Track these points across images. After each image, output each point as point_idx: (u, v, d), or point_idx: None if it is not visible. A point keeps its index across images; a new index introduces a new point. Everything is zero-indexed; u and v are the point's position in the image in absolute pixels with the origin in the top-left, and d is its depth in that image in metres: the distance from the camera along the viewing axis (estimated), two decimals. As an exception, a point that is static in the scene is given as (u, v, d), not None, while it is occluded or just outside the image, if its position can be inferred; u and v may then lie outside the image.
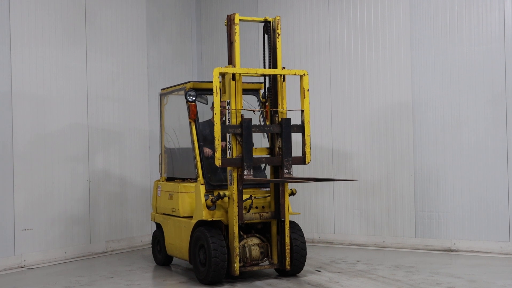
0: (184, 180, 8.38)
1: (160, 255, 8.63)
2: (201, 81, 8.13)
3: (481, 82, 8.99)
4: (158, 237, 8.68)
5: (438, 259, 8.65)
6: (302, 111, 7.50)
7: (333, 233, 10.19)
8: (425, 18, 9.45)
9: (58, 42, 9.37)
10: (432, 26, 9.39)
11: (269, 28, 7.59)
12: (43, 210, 9.05)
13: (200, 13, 12.01)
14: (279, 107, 7.44)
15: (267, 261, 7.52)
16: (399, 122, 9.64)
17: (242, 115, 7.23)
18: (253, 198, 7.38)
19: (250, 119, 7.21)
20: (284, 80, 7.46)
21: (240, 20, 7.37)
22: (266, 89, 7.65)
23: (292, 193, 7.62)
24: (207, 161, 7.73)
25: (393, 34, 9.72)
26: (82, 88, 9.72)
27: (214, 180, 7.67)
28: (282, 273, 7.60)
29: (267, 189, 7.67)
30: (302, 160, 7.48)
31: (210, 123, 8.26)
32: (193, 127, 7.76)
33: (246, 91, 7.92)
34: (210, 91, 8.07)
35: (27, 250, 8.80)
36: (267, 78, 7.65)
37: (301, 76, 7.48)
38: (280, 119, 7.42)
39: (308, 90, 7.47)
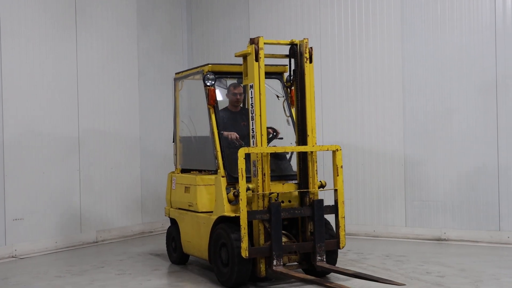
0: (200, 171, 7.71)
1: (176, 253, 7.97)
2: (220, 64, 7.42)
3: (472, 71, 8.97)
4: (173, 233, 8.02)
5: (428, 248, 8.69)
6: (335, 190, 6.78)
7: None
8: (416, 7, 9.42)
9: (48, 32, 9.31)
10: (423, 14, 9.36)
11: (295, 52, 6.82)
12: (34, 200, 9.04)
13: (191, 2, 12.02)
14: (310, 187, 6.71)
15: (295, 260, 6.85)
16: (390, 111, 9.62)
17: (270, 198, 6.52)
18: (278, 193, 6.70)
19: (279, 203, 6.46)
20: (313, 154, 6.74)
21: (265, 43, 6.61)
22: (292, 72, 6.94)
23: (322, 186, 6.94)
24: (228, 151, 7.05)
25: (384, 23, 9.68)
26: (72, 78, 9.69)
27: (237, 172, 6.98)
28: (309, 273, 6.90)
29: (294, 182, 6.98)
30: (335, 245, 6.77)
31: (228, 111, 7.59)
32: (212, 114, 7.08)
33: (268, 75, 7.19)
34: (230, 74, 7.40)
35: (18, 240, 8.81)
36: (292, 60, 6.94)
37: (333, 152, 6.75)
38: (311, 200, 6.69)
39: (341, 166, 6.76)
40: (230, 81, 7.65)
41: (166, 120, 11.09)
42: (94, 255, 8.88)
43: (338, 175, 6.74)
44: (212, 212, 7.13)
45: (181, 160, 8.06)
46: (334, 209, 6.78)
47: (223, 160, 6.91)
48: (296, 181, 6.96)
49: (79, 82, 9.78)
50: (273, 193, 6.57)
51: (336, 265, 6.94)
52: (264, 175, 6.52)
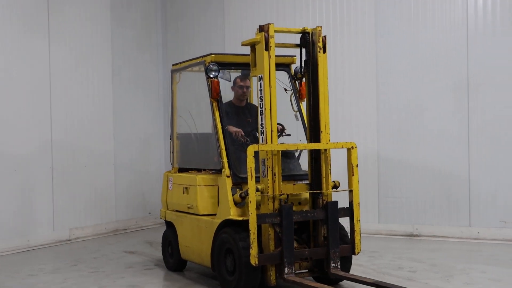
0: (200, 171, 7.14)
1: (173, 259, 7.37)
2: (224, 54, 6.85)
3: (444, 69, 9.10)
4: (170, 238, 7.42)
5: (400, 244, 8.85)
6: (350, 191, 6.23)
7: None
8: (390, 5, 9.47)
9: (20, 29, 9.14)
10: (397, 12, 9.42)
11: (307, 41, 6.25)
12: (5, 198, 8.88)
13: (165, 0, 11.90)
14: (323, 187, 6.15)
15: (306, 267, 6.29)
16: (364, 108, 9.67)
17: (280, 200, 5.95)
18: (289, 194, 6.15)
19: (291, 206, 5.92)
20: (327, 152, 6.21)
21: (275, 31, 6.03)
22: (303, 62, 6.38)
23: (335, 186, 6.39)
24: (232, 149, 6.48)
25: (358, 20, 9.69)
26: (44, 76, 9.53)
27: (243, 171, 6.42)
28: (319, 281, 6.34)
29: (304, 182, 6.43)
30: (350, 250, 6.23)
31: (232, 105, 7.02)
32: (216, 108, 6.50)
33: (275, 66, 6.61)
34: (234, 65, 6.83)
35: (-11, 238, 8.69)
36: (303, 50, 6.38)
37: (348, 150, 6.20)
38: (324, 202, 6.14)
39: (357, 165, 6.22)
40: (234, 73, 7.09)
41: (140, 118, 11.34)
42: (67, 253, 8.80)
43: (353, 175, 6.20)
44: (214, 215, 6.56)
45: (179, 159, 7.47)
46: (349, 211, 6.24)
47: (228, 158, 6.33)
48: (306, 182, 6.42)
49: (51, 80, 9.63)
50: (283, 194, 6.01)
51: (350, 272, 6.41)
52: (275, 175, 5.95)
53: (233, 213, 6.13)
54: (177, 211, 7.24)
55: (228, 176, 6.27)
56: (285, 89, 6.97)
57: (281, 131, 6.92)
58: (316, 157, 6.24)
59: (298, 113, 6.97)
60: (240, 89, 7.05)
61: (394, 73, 9.42)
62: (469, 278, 6.68)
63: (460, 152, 8.98)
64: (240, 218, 6.02)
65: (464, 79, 8.93)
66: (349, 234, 6.36)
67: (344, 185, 6.39)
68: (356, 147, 6.21)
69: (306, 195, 6.34)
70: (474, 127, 8.90)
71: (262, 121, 5.98)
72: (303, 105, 6.98)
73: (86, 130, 10.23)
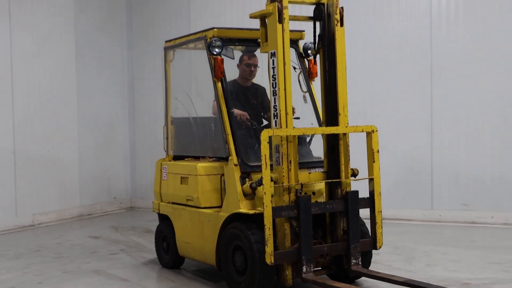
0: (198, 158, 6.47)
1: (168, 255, 6.69)
2: (227, 28, 6.14)
3: (409, 56, 9.28)
4: (165, 232, 6.74)
5: None
6: (371, 179, 5.60)
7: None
8: None
9: None
10: (361, 1, 9.48)
11: (322, 13, 5.56)
12: None
13: None
14: (342, 176, 5.52)
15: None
16: None
17: (296, 191, 5.29)
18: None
19: (309, 197, 5.27)
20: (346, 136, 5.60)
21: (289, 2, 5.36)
22: (317, 37, 5.72)
23: (354, 174, 5.78)
24: (240, 133, 5.82)
25: None
26: (5, 60, 9.36)
27: (252, 158, 5.76)
28: (334, 278, 5.74)
29: (319, 170, 5.81)
30: (371, 244, 5.63)
31: (236, 85, 6.35)
32: (220, 89, 5.82)
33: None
34: (238, 41, 6.16)
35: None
36: (317, 23, 5.72)
37: (368, 134, 5.57)
38: (343, 192, 5.52)
39: (378, 151, 5.59)
40: (237, 51, 6.41)
41: (105, 101, 11.19)
42: (31, 239, 8.68)
43: (374, 161, 5.59)
44: (217, 207, 5.93)
45: (174, 146, 6.78)
46: (369, 202, 5.64)
47: (235, 145, 5.66)
48: (321, 169, 5.81)
49: (13, 65, 9.45)
50: (297, 184, 5.38)
51: (369, 268, 5.83)
52: (290, 162, 5.31)
53: (243, 206, 5.48)
54: (173, 203, 6.57)
55: (235, 165, 5.61)
56: (294, 68, 6.31)
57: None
58: (333, 142, 5.62)
59: (307, 94, 6.34)
60: (247, 67, 6.38)
61: (359, 59, 9.34)
62: (431, 260, 6.79)
63: (422, 138, 9.17)
64: (252, 212, 5.37)
65: (428, 67, 9.10)
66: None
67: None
68: (377, 130, 5.60)
69: (320, 185, 5.72)
70: (437, 112, 9.07)
71: (275, 102, 5.33)
72: (313, 85, 6.38)
73: (49, 114, 10.01)
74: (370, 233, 5.73)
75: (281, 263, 5.26)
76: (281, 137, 5.25)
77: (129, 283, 6.17)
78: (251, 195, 5.54)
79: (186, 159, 6.66)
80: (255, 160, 5.69)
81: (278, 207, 5.19)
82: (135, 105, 11.69)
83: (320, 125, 6.15)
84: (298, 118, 6.27)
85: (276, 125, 5.32)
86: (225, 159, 5.86)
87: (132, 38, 11.63)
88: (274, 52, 5.30)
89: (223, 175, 5.98)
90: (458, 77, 8.97)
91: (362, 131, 5.58)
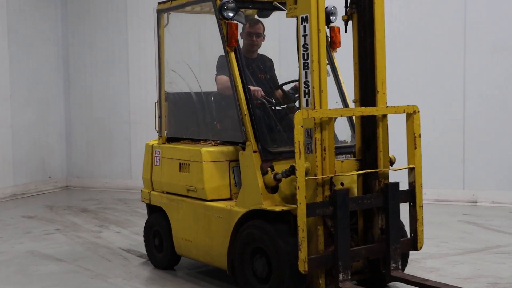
0: (196, 141, 5.54)
1: (162, 253, 5.75)
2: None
3: None
4: (157, 226, 5.79)
5: None
6: (412, 168, 4.75)
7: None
8: None
9: None
10: None
11: None
12: None
13: None
14: (380, 165, 4.66)
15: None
16: None
17: (331, 182, 4.44)
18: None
19: (347, 191, 4.42)
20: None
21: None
22: (348, 1, 4.82)
23: (391, 162, 4.95)
24: (259, 114, 4.90)
25: None
26: None
27: (273, 144, 4.86)
28: (363, 284, 4.93)
29: (350, 157, 4.97)
30: (411, 244, 4.81)
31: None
32: (233, 60, 4.86)
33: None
34: (252, 3, 5.22)
35: None
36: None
37: (409, 115, 4.71)
38: (381, 184, 4.67)
39: (419, 135, 4.73)
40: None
41: (39, 78, 10.79)
42: None
43: (416, 148, 4.77)
44: (226, 199, 5.04)
45: (169, 126, 5.80)
46: (410, 195, 4.82)
47: (253, 127, 4.74)
48: (350, 156, 4.97)
49: None
50: (335, 176, 4.51)
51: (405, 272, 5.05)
52: (325, 150, 4.43)
53: (266, 202, 4.59)
54: (169, 193, 5.62)
55: (255, 151, 4.70)
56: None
57: None
58: (367, 124, 4.76)
59: (328, 67, 5.44)
60: (249, 37, 5.49)
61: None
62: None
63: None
64: (280, 209, 4.47)
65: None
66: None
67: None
68: (419, 111, 4.77)
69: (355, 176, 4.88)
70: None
71: (307, 77, 4.42)
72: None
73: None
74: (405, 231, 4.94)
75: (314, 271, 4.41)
76: (315, 119, 4.36)
77: (65, 263, 6.07)
78: (272, 188, 4.66)
79: (181, 141, 5.71)
80: (279, 146, 4.81)
81: (312, 203, 4.32)
82: (70, 81, 11.31)
83: (346, 104, 5.29)
84: None
85: (307, 105, 4.42)
86: (234, 143, 4.99)
87: (67, 11, 11.19)
88: (306, 17, 4.39)
89: (231, 161, 5.09)
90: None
91: (404, 112, 4.74)
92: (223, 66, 5.33)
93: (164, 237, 5.67)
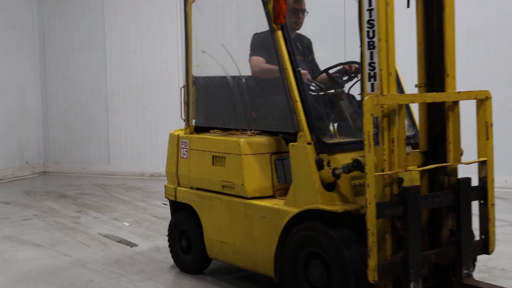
0: (230, 131, 4.96)
1: (190, 255, 5.17)
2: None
3: None
4: (184, 226, 5.20)
5: None
6: (483, 162, 4.19)
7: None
8: None
9: None
10: None
11: None
12: None
13: None
14: (449, 158, 4.07)
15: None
16: None
17: (400, 179, 3.85)
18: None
19: (418, 189, 3.82)
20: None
21: None
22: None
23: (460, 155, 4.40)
24: (313, 101, 4.32)
25: None
26: None
27: (328, 134, 4.30)
28: None
29: (413, 150, 4.42)
30: (482, 247, 4.23)
31: None
32: (281, 39, 4.26)
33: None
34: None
35: None
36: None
37: (479, 102, 4.13)
38: (451, 180, 4.10)
39: (491, 125, 4.15)
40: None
41: (14, 62, 10.68)
42: None
43: (487, 139, 4.22)
44: (268, 197, 4.47)
45: (197, 114, 5.19)
46: (481, 192, 4.28)
47: (306, 116, 4.15)
48: (412, 149, 4.42)
49: None
50: (405, 171, 3.95)
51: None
52: (393, 141, 3.87)
53: (324, 201, 4.02)
54: (199, 189, 5.02)
55: (309, 143, 4.12)
56: None
57: (355, 74, 4.84)
58: (434, 111, 4.20)
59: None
60: (294, 13, 4.89)
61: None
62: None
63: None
64: (342, 209, 3.91)
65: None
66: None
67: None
68: (491, 97, 4.21)
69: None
70: None
71: (372, 58, 3.84)
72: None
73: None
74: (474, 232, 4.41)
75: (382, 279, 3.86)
76: (382, 106, 3.80)
77: (43, 248, 6.04)
78: (328, 185, 4.09)
79: (211, 131, 5.13)
80: (335, 137, 4.24)
81: (380, 203, 3.75)
82: (46, 67, 11.10)
83: (401, 90, 4.74)
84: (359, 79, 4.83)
85: (373, 90, 3.85)
86: (272, 133, 4.43)
87: (43, 1, 11.04)
88: (375, -10, 3.81)
89: (273, 153, 4.53)
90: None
91: (475, 98, 4.18)
92: (258, 45, 4.79)
93: (193, 238, 5.09)
